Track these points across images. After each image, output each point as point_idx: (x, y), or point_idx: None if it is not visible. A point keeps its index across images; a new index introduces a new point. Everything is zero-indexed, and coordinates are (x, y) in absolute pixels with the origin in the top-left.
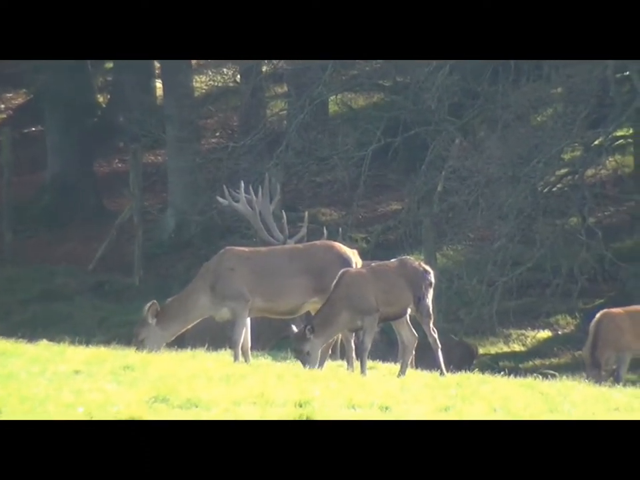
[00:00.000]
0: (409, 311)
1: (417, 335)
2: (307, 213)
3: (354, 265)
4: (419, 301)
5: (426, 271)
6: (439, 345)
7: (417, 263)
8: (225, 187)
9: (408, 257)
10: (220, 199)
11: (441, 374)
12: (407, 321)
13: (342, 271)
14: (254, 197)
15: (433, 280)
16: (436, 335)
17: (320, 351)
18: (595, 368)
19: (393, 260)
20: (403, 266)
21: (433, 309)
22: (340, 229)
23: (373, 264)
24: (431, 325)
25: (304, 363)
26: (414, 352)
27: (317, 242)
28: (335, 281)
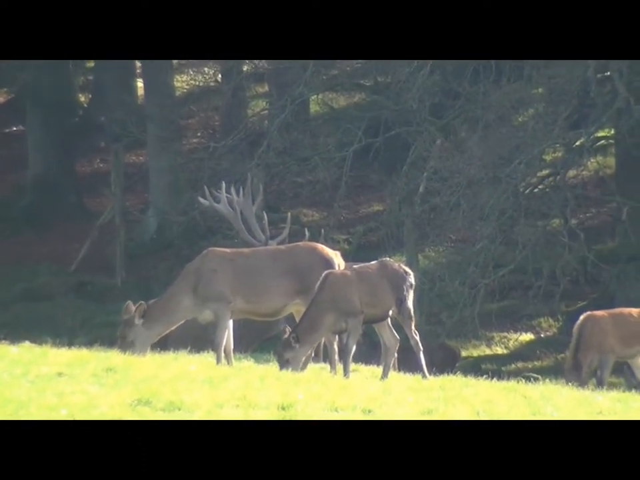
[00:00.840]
0: (390, 313)
1: (398, 337)
2: (289, 214)
3: (336, 267)
4: (401, 303)
5: (406, 273)
6: (421, 348)
7: (397, 264)
8: (205, 187)
9: (388, 258)
10: (201, 200)
11: (423, 377)
12: (388, 324)
13: (326, 272)
14: (235, 197)
15: (413, 282)
16: (418, 338)
17: (302, 359)
18: (575, 371)
19: (373, 262)
20: (383, 268)
21: (414, 311)
22: (322, 230)
23: (354, 266)
24: (413, 327)
25: (281, 368)
26: (396, 354)
27: (300, 243)
28: (318, 283)
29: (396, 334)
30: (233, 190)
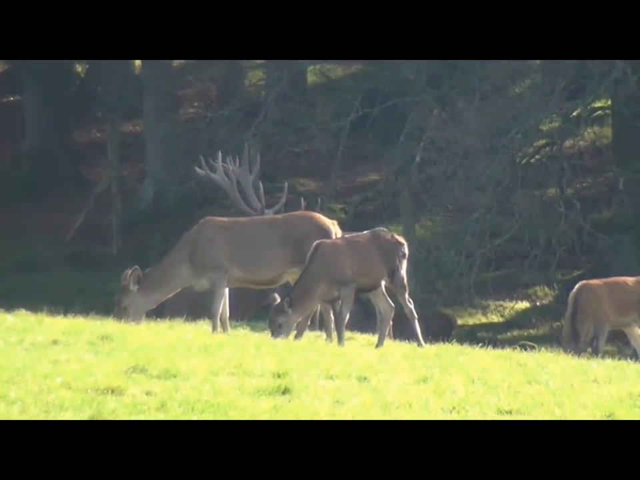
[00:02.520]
0: (383, 282)
1: (393, 305)
2: (286, 184)
3: (333, 236)
4: (393, 272)
5: (399, 243)
6: (416, 316)
7: (390, 234)
8: (202, 157)
9: (381, 228)
10: (197, 169)
11: (418, 345)
12: (382, 292)
13: (316, 242)
14: (231, 166)
15: (406, 251)
16: (412, 306)
17: (294, 325)
18: (573, 340)
19: (365, 232)
20: (375, 237)
21: (409, 280)
22: (319, 200)
23: (346, 235)
24: (407, 296)
25: (273, 334)
26: (392, 323)
27: (297, 212)
28: (309, 253)
29: (391, 302)
30: (229, 160)
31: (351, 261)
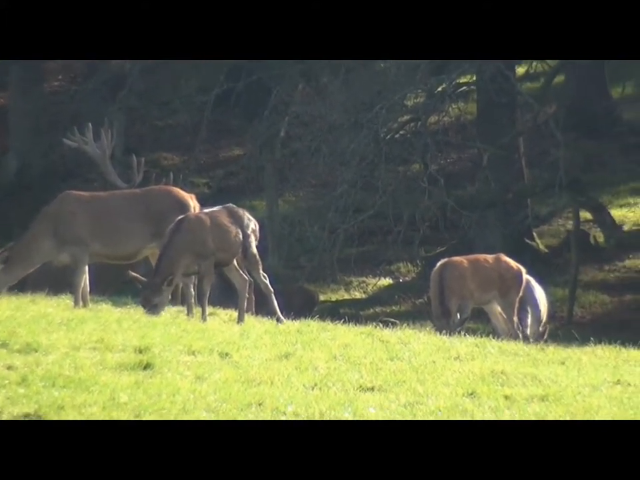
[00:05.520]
0: (235, 258)
1: (247, 278)
2: (143, 159)
3: (192, 210)
4: (246, 249)
5: (249, 219)
6: (272, 290)
7: (241, 210)
8: (75, 128)
9: (231, 204)
10: (68, 141)
11: (278, 320)
12: (235, 267)
13: (181, 216)
14: (91, 140)
15: (256, 227)
16: (267, 281)
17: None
18: (444, 318)
19: (218, 207)
20: (231, 213)
21: (262, 256)
22: (181, 175)
23: (205, 210)
24: (261, 271)
25: (149, 312)
26: (254, 299)
27: (155, 187)
28: (172, 226)
29: (245, 276)
30: (89, 133)
31: (213, 235)
